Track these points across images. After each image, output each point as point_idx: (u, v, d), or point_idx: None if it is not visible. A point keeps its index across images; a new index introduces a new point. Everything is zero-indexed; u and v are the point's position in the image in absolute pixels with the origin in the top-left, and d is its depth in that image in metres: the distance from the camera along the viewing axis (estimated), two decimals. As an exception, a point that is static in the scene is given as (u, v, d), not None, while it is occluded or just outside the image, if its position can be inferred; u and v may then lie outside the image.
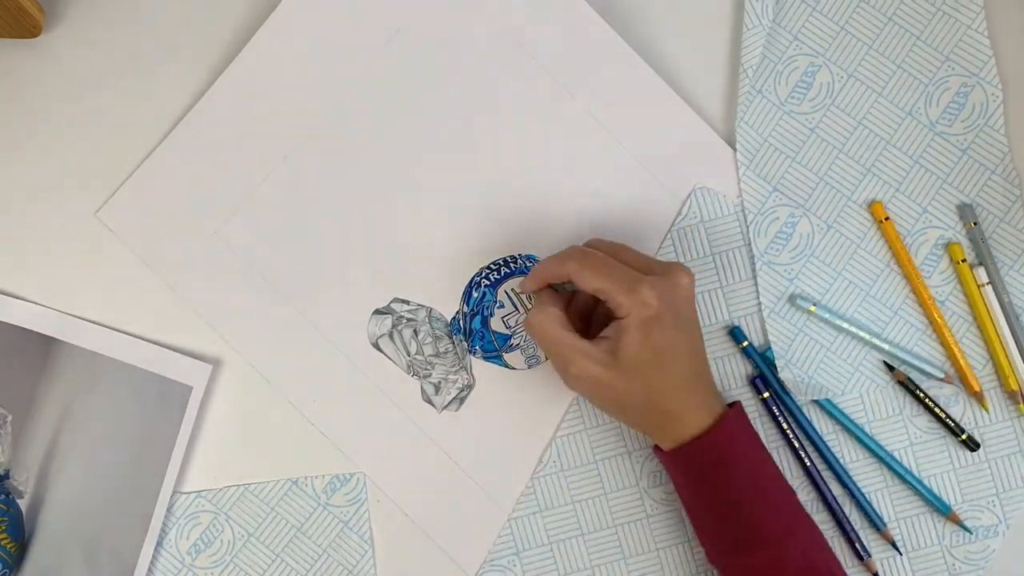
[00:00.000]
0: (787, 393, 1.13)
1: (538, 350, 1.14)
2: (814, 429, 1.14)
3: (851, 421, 1.14)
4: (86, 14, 1.13)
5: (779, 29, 1.14)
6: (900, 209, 1.14)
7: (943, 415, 1.13)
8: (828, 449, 1.14)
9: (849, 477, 1.13)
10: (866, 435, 1.14)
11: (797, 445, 1.13)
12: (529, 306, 1.13)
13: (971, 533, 1.14)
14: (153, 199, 1.13)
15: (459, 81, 1.13)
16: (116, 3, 1.13)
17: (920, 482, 1.14)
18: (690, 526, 1.13)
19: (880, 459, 1.14)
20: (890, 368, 1.14)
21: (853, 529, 1.14)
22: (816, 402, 1.14)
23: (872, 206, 1.14)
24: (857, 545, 1.13)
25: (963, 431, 1.14)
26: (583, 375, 1.01)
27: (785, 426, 1.13)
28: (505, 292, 1.13)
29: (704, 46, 1.15)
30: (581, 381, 1.02)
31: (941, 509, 1.14)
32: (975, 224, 1.13)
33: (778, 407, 1.13)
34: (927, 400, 1.13)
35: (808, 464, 1.13)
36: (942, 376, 1.14)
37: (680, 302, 1.02)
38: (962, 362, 1.14)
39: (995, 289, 1.13)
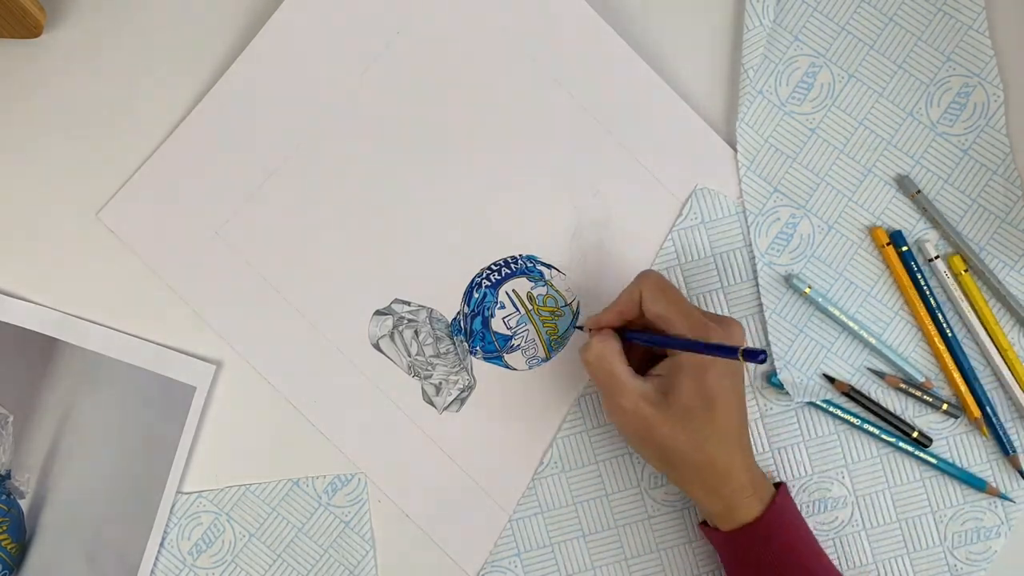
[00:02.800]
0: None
1: (539, 350, 1.13)
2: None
3: (862, 419, 1.13)
4: (87, 14, 1.13)
5: (780, 29, 1.13)
6: (900, 209, 1.13)
7: (924, 396, 1.14)
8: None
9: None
10: (883, 428, 1.13)
11: (940, 316, 1.14)
12: (530, 307, 1.12)
13: (1013, 502, 1.14)
14: (154, 200, 1.12)
15: (459, 82, 1.13)
16: (117, 4, 1.13)
17: (948, 463, 1.14)
18: None
19: (900, 449, 1.13)
20: (880, 375, 1.14)
21: (997, 418, 1.14)
22: (826, 402, 1.13)
23: (873, 231, 1.13)
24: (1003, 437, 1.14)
25: (914, 428, 1.13)
26: (634, 411, 1.00)
27: (927, 291, 1.14)
28: (506, 293, 1.12)
29: (705, 46, 1.15)
30: (629, 417, 1.01)
31: (976, 484, 1.13)
32: (918, 192, 1.13)
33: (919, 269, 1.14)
34: (915, 392, 1.14)
35: (950, 335, 1.14)
36: (922, 380, 1.13)
37: (728, 364, 1.01)
38: (962, 388, 1.14)
39: (975, 272, 1.13)
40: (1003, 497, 1.13)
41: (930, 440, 1.13)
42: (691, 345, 0.98)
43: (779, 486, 1.05)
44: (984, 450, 1.14)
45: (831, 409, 1.13)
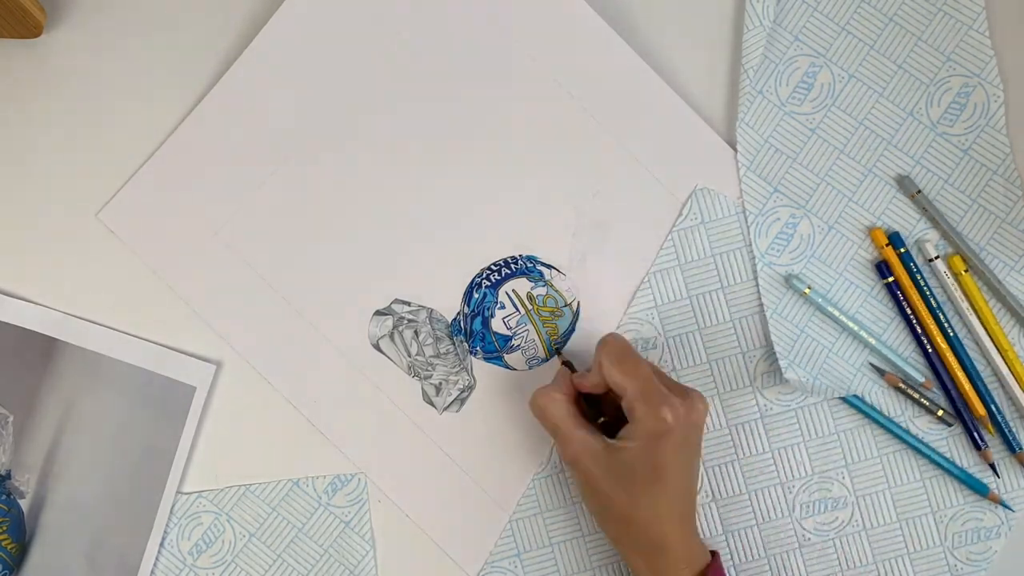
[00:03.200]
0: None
1: (539, 350, 1.13)
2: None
3: (877, 412, 1.13)
4: (88, 15, 1.13)
5: (780, 29, 1.13)
6: (900, 210, 1.13)
7: (921, 399, 1.14)
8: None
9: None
10: (894, 424, 1.13)
11: (941, 316, 1.14)
12: (529, 307, 1.12)
13: (1012, 510, 1.14)
14: (154, 200, 1.12)
15: (459, 83, 1.13)
16: (118, 4, 1.13)
17: (953, 463, 1.13)
18: None
19: (910, 445, 1.13)
20: (880, 372, 1.14)
21: (1000, 412, 1.14)
22: (855, 397, 1.13)
23: (872, 232, 1.13)
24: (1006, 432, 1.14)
25: (939, 407, 1.13)
26: (574, 461, 1.01)
27: (927, 292, 1.13)
28: (506, 293, 1.12)
29: (705, 46, 1.15)
30: (573, 466, 1.02)
31: (979, 489, 1.13)
32: (918, 192, 1.12)
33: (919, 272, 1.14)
34: (912, 394, 1.14)
35: (951, 334, 1.13)
36: (922, 381, 1.13)
37: (690, 428, 1.01)
38: (965, 386, 1.13)
39: (975, 273, 1.13)
40: (1004, 505, 1.13)
41: (955, 419, 1.13)
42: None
43: (714, 555, 1.04)
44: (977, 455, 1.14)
45: (858, 405, 1.13)
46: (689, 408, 1.00)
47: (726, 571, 1.05)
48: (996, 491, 1.13)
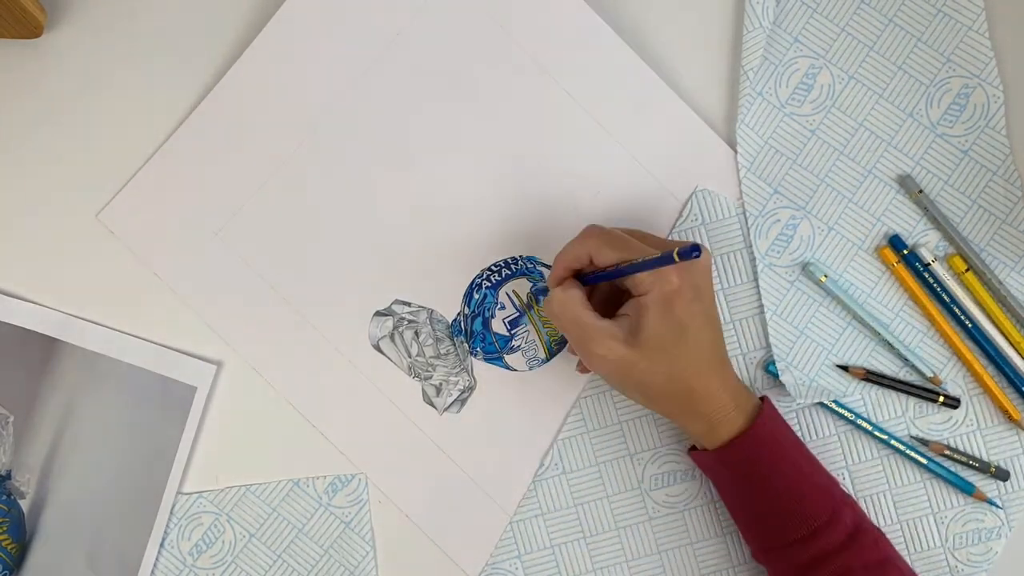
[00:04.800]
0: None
1: (539, 351, 1.12)
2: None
3: (864, 418, 1.12)
4: (88, 15, 1.12)
5: (779, 31, 1.12)
6: (900, 211, 1.12)
7: (912, 388, 1.13)
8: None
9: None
10: (880, 429, 1.12)
11: (957, 310, 1.13)
12: (530, 308, 1.12)
13: (999, 507, 1.13)
14: (154, 201, 1.12)
15: (459, 83, 1.12)
16: (118, 4, 1.12)
17: (940, 466, 1.12)
18: (729, 523, 1.13)
19: (897, 451, 1.12)
20: (845, 368, 1.13)
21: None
22: (823, 404, 1.12)
23: (881, 251, 1.13)
24: None
25: (939, 395, 1.13)
26: (607, 355, 0.99)
27: (939, 288, 1.13)
28: (506, 294, 1.12)
29: (704, 48, 1.14)
30: (605, 361, 0.99)
31: (965, 489, 1.12)
32: (920, 192, 1.12)
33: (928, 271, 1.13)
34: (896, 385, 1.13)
35: (970, 326, 1.13)
36: (931, 376, 1.12)
37: (699, 277, 1.00)
38: (993, 389, 1.13)
39: (976, 273, 1.12)
40: (990, 503, 1.13)
41: (958, 402, 1.13)
42: (638, 267, 0.96)
43: (763, 399, 1.04)
44: (986, 448, 1.13)
45: (839, 410, 1.12)
46: (689, 263, 0.98)
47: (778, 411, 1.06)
48: (1014, 487, 1.13)
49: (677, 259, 0.90)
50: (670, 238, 1.12)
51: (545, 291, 1.12)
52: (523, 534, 1.13)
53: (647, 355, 0.98)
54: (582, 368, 1.09)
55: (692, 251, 0.88)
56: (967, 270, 1.11)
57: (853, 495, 1.13)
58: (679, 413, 1.02)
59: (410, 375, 1.12)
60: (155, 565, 1.12)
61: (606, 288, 1.05)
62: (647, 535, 1.14)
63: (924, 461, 1.12)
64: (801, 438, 1.07)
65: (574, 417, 1.13)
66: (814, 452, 1.09)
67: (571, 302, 1.00)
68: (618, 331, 0.99)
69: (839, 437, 1.13)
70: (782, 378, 1.11)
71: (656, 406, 1.03)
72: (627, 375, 1.00)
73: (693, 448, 1.08)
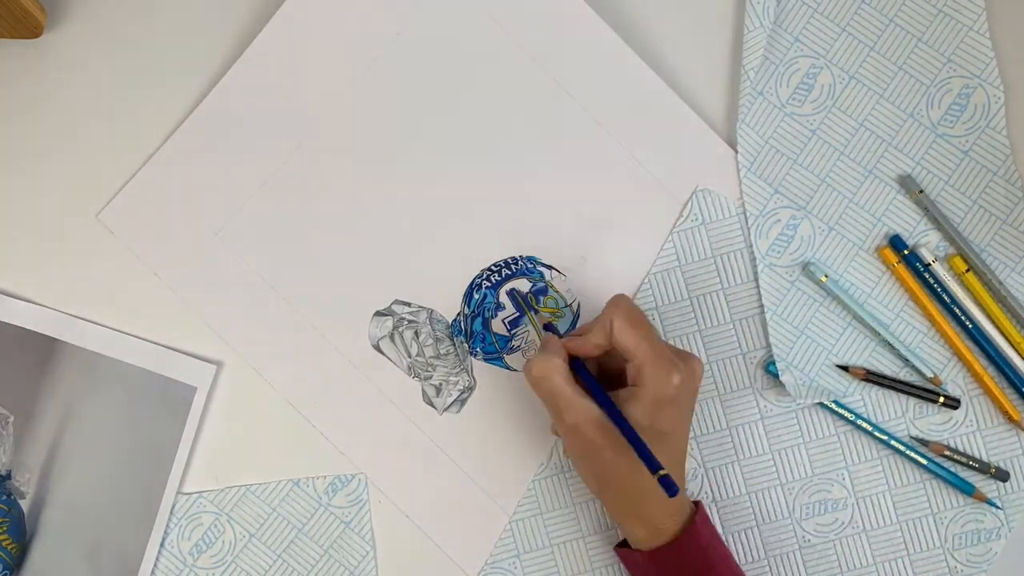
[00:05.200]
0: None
1: (539, 351, 1.12)
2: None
3: (864, 418, 1.12)
4: (88, 15, 1.12)
5: (780, 31, 1.12)
6: (900, 211, 1.12)
7: (912, 389, 1.13)
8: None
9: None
10: (880, 430, 1.12)
11: (957, 310, 1.13)
12: (530, 308, 1.11)
13: (999, 508, 1.13)
14: (154, 201, 1.11)
15: (459, 83, 1.12)
16: (118, 4, 1.12)
17: (940, 466, 1.12)
18: None
19: (897, 451, 1.12)
20: (845, 368, 1.13)
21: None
22: (823, 404, 1.12)
23: (881, 251, 1.12)
24: None
25: (939, 395, 1.12)
26: (576, 430, 0.98)
27: (939, 289, 1.13)
28: (506, 294, 1.11)
29: (705, 47, 1.14)
30: (574, 436, 0.99)
31: (965, 489, 1.12)
32: (921, 192, 1.12)
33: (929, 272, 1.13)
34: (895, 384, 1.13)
35: (971, 326, 1.13)
36: (931, 376, 1.12)
37: (691, 393, 1.01)
38: (993, 389, 1.13)
39: (976, 272, 1.12)
40: (990, 503, 1.13)
41: (958, 402, 1.13)
42: (627, 434, 0.95)
43: (696, 504, 1.04)
44: (986, 449, 1.13)
45: (839, 410, 1.12)
46: (691, 372, 0.99)
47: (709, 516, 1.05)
48: (1014, 487, 1.13)
49: (656, 478, 0.92)
50: (671, 238, 1.12)
51: (545, 291, 1.12)
52: (522, 533, 1.13)
53: (617, 447, 0.97)
54: (554, 430, 1.08)
55: (671, 488, 0.90)
56: (967, 270, 1.11)
57: (853, 495, 1.13)
58: (626, 513, 1.02)
59: (410, 375, 1.12)
60: (155, 565, 1.11)
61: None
62: (646, 535, 1.13)
63: (924, 461, 1.11)
64: (727, 545, 1.08)
65: (574, 418, 1.12)
66: (815, 452, 1.11)
67: (551, 372, 0.99)
68: (597, 413, 0.98)
69: (839, 437, 1.13)
70: (782, 378, 1.11)
71: (606, 497, 1.02)
72: (589, 457, 0.99)
73: (621, 545, 1.07)
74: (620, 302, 1.01)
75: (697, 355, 1.08)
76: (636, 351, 0.98)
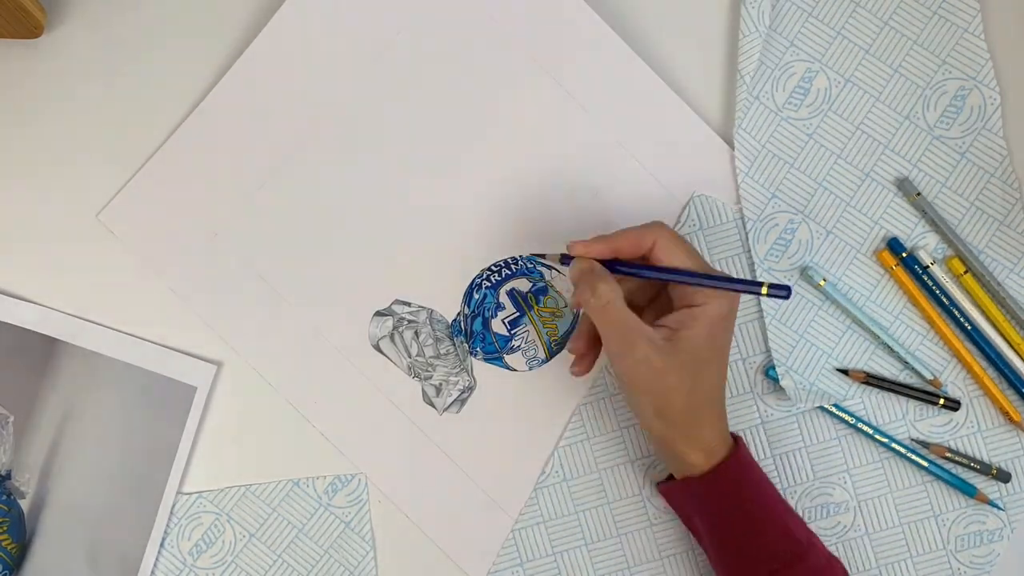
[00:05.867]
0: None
1: (539, 351, 1.12)
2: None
3: (864, 421, 1.12)
4: (88, 15, 1.12)
5: (775, 35, 1.12)
6: (898, 214, 1.12)
7: (912, 391, 1.12)
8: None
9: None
10: (881, 432, 1.12)
11: (956, 312, 1.13)
12: (530, 308, 1.11)
13: (1001, 509, 1.12)
14: (154, 201, 1.11)
15: (459, 83, 1.12)
16: (118, 4, 1.12)
17: (941, 468, 1.12)
18: (703, 561, 1.13)
19: (898, 454, 1.12)
20: (845, 372, 1.13)
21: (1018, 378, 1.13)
22: (823, 408, 1.11)
23: (879, 254, 1.12)
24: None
25: (939, 398, 1.12)
26: (644, 361, 0.96)
27: (938, 291, 1.12)
28: (506, 294, 1.11)
29: (701, 52, 1.14)
30: (639, 366, 0.96)
31: (967, 491, 1.11)
32: (918, 195, 1.11)
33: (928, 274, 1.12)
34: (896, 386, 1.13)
35: (970, 328, 1.12)
36: (931, 378, 1.12)
37: (735, 314, 1.01)
38: (993, 390, 1.12)
39: (974, 273, 1.12)
40: (992, 504, 1.12)
41: (958, 404, 1.12)
42: (712, 281, 0.96)
43: (736, 437, 1.04)
44: (987, 450, 1.12)
45: (839, 413, 1.11)
46: (736, 295, 0.99)
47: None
48: (1015, 488, 1.13)
49: (766, 293, 0.92)
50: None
51: (545, 291, 1.12)
52: (525, 541, 1.12)
53: (681, 370, 0.96)
54: (578, 370, 1.05)
55: (783, 290, 0.90)
56: (966, 272, 1.11)
57: (854, 499, 1.12)
58: (681, 438, 1.00)
59: (410, 375, 1.12)
60: (155, 565, 1.11)
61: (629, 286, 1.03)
62: (648, 541, 1.13)
63: (925, 464, 1.11)
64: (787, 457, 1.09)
65: (574, 424, 1.12)
66: (816, 456, 1.10)
67: (617, 299, 0.97)
68: (659, 339, 0.96)
69: (839, 441, 1.12)
70: (782, 383, 1.10)
71: (661, 424, 0.99)
72: (651, 385, 0.97)
73: (666, 481, 1.07)
74: (663, 227, 1.00)
75: None
76: (691, 266, 0.97)
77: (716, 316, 0.96)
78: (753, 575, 1.01)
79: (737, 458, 1.00)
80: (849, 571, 1.06)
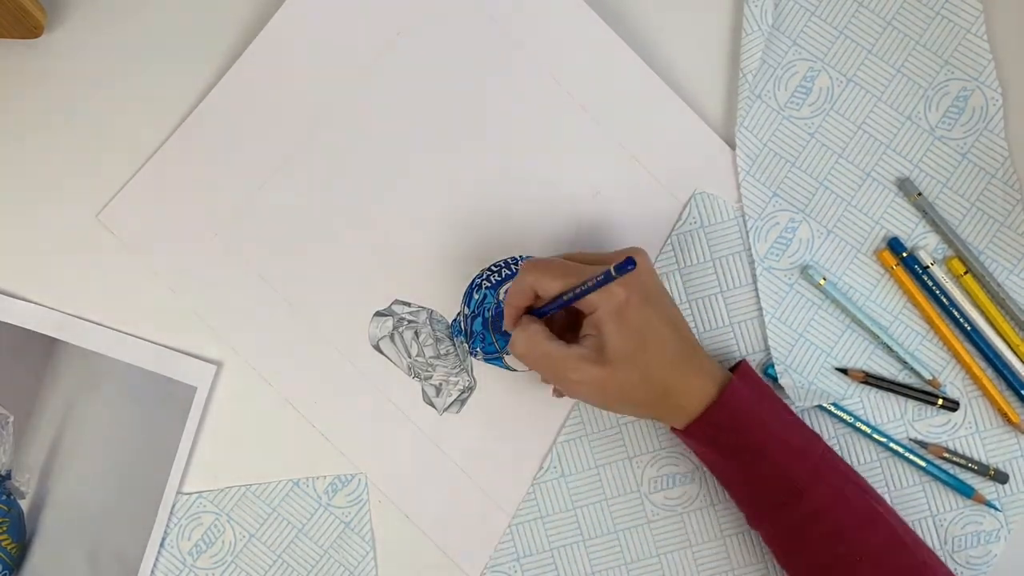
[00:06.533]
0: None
1: (539, 352, 1.11)
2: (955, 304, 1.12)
3: (863, 421, 1.11)
4: (88, 15, 1.12)
5: (778, 34, 1.11)
6: (899, 214, 1.11)
7: (911, 391, 1.12)
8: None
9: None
10: (879, 432, 1.12)
11: (956, 313, 1.12)
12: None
13: (999, 510, 1.12)
14: (154, 201, 1.11)
15: (459, 83, 1.12)
16: (118, 4, 1.12)
17: (939, 468, 1.11)
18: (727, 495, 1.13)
19: (896, 454, 1.12)
20: (844, 371, 1.13)
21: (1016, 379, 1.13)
22: (822, 407, 1.11)
23: (880, 254, 1.12)
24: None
25: (938, 398, 1.12)
26: (583, 378, 0.98)
27: (937, 291, 1.12)
28: (506, 293, 1.10)
29: (704, 50, 1.13)
30: (583, 385, 0.99)
31: (965, 491, 1.11)
32: (919, 195, 1.11)
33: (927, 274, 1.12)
34: (895, 386, 1.13)
35: (969, 329, 1.12)
36: (930, 379, 1.12)
37: (644, 280, 0.99)
38: (992, 391, 1.12)
39: (974, 274, 1.11)
40: (990, 505, 1.12)
41: (957, 404, 1.12)
42: (581, 293, 0.96)
43: (740, 364, 1.05)
44: (985, 451, 1.12)
45: (838, 412, 1.11)
46: (630, 274, 0.96)
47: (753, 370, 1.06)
48: (1013, 489, 1.13)
49: (615, 274, 0.90)
50: (670, 241, 1.11)
51: (544, 291, 1.11)
52: (522, 537, 1.12)
53: (618, 368, 0.97)
54: (557, 392, 1.08)
55: (627, 264, 0.89)
56: (966, 273, 1.10)
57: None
58: (665, 412, 1.02)
59: (410, 375, 1.11)
60: (155, 565, 1.11)
61: (563, 315, 1.04)
62: (646, 538, 1.13)
63: (923, 464, 1.11)
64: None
65: (573, 420, 1.12)
66: (814, 455, 1.09)
67: (535, 338, 0.99)
68: (586, 352, 0.98)
69: (838, 440, 1.12)
70: (781, 381, 1.10)
71: (642, 411, 1.03)
72: (606, 392, 0.99)
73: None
74: (528, 266, 1.00)
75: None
76: (564, 290, 0.98)
77: (614, 311, 0.97)
78: (759, 510, 1.04)
79: (716, 405, 1.00)
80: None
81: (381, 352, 1.11)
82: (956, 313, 1.10)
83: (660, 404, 1.01)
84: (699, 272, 1.12)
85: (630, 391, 0.98)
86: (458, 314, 1.11)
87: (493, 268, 1.10)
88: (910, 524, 1.10)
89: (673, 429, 1.05)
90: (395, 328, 1.11)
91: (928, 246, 1.11)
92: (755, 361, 1.12)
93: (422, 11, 1.11)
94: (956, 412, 1.12)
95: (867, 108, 1.12)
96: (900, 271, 1.10)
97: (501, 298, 1.09)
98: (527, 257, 1.10)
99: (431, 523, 1.12)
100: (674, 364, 1.00)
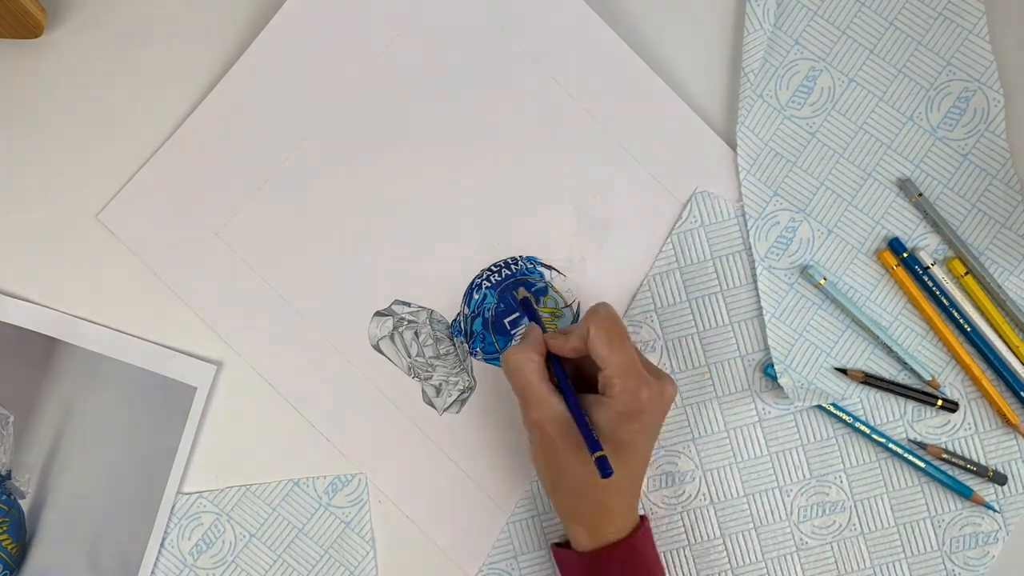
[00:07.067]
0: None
1: (538, 353, 1.11)
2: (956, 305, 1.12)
3: (862, 421, 1.11)
4: (88, 15, 1.11)
5: (780, 33, 1.11)
6: (899, 214, 1.11)
7: (910, 392, 1.12)
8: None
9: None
10: (878, 432, 1.11)
11: (956, 314, 1.12)
12: (537, 309, 1.10)
13: (997, 511, 1.12)
14: (154, 201, 1.11)
15: (459, 83, 1.11)
16: (118, 4, 1.11)
17: (938, 469, 1.11)
18: None
19: (895, 454, 1.11)
20: (843, 371, 1.12)
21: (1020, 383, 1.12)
22: (821, 407, 1.10)
23: (880, 254, 1.11)
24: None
25: (937, 398, 1.12)
26: (539, 425, 0.98)
27: (938, 292, 1.12)
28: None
29: (705, 49, 1.13)
30: (536, 430, 0.99)
31: (963, 492, 1.11)
32: (920, 195, 1.10)
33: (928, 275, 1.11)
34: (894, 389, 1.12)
35: (969, 330, 1.11)
36: (929, 379, 1.11)
37: (658, 412, 0.99)
38: (992, 393, 1.12)
39: (975, 275, 1.11)
40: (988, 507, 1.12)
41: (956, 405, 1.12)
42: (579, 420, 0.96)
43: (643, 519, 1.04)
44: (984, 452, 1.11)
45: (837, 412, 1.11)
46: (661, 391, 0.98)
47: (652, 534, 1.06)
48: (1011, 491, 1.13)
49: (592, 458, 0.93)
50: (671, 240, 1.11)
51: (545, 291, 1.11)
52: (519, 534, 1.12)
53: (574, 452, 0.97)
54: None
55: (605, 468, 0.91)
56: (966, 273, 1.10)
57: (850, 498, 1.12)
58: (573, 515, 1.02)
59: (410, 375, 1.11)
60: (155, 565, 1.11)
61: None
62: (643, 535, 1.12)
63: (922, 465, 1.10)
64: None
65: (572, 419, 1.12)
66: (813, 455, 1.11)
67: (526, 365, 0.99)
68: (561, 413, 0.98)
69: (837, 440, 1.12)
70: (780, 381, 1.10)
71: (557, 497, 1.03)
72: (547, 456, 1.00)
73: (558, 545, 1.07)
74: (600, 310, 1.00)
75: (698, 362, 1.09)
76: (608, 361, 0.97)
77: (621, 410, 0.96)
78: None
79: (618, 548, 1.00)
80: (843, 571, 1.07)
81: (381, 352, 1.11)
82: (956, 314, 1.10)
83: (579, 511, 1.01)
84: (699, 271, 1.11)
85: (567, 475, 0.99)
86: (458, 314, 1.11)
87: (493, 268, 1.10)
88: (908, 525, 1.11)
89: (556, 548, 1.06)
90: (395, 328, 1.11)
91: (929, 247, 1.11)
92: (755, 361, 1.12)
93: (421, 12, 1.10)
94: (955, 413, 1.11)
95: (868, 108, 1.11)
96: (900, 271, 1.10)
97: (521, 294, 1.09)
98: (527, 258, 1.10)
99: (431, 523, 1.12)
100: (619, 490, 1.00)
